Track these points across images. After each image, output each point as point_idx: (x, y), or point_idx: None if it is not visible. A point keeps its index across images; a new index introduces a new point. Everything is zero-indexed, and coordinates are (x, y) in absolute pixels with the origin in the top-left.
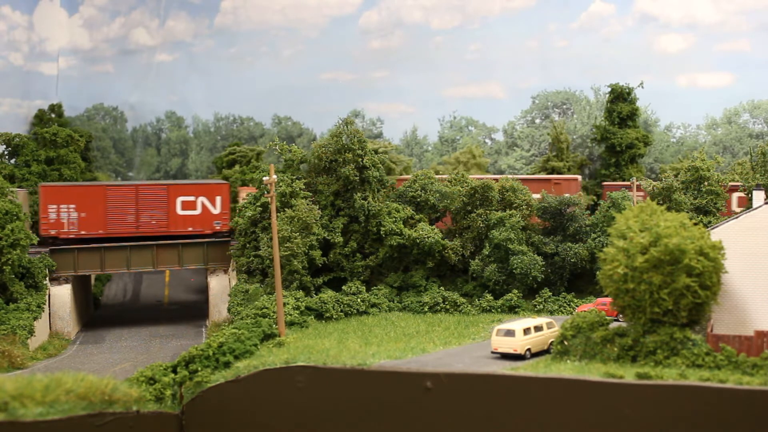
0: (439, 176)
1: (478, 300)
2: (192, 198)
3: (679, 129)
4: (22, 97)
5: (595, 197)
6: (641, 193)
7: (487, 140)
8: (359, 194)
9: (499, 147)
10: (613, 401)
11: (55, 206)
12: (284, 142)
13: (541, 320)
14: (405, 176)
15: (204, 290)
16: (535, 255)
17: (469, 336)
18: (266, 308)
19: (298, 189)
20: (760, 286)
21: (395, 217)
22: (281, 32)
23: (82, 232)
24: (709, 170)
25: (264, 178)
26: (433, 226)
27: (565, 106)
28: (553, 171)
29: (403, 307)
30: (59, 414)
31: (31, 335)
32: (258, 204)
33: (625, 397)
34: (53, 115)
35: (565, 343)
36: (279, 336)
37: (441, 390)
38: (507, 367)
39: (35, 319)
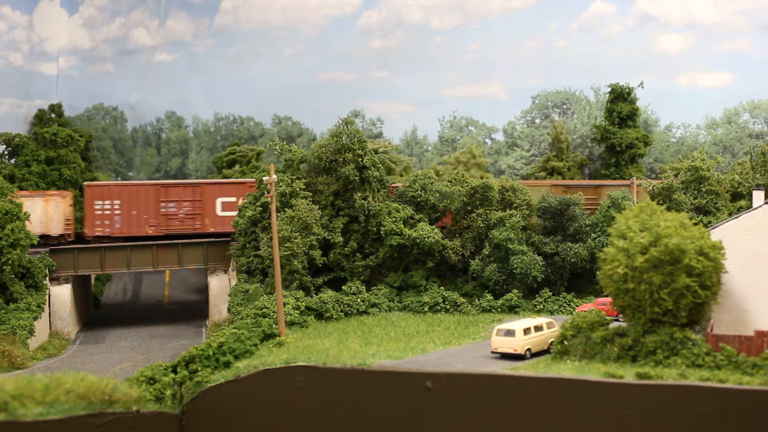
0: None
1: (478, 300)
2: None
3: (679, 129)
4: (22, 97)
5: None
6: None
7: (487, 140)
8: (359, 194)
9: (499, 147)
10: (613, 401)
11: None
12: (284, 142)
13: (541, 320)
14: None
15: (204, 290)
16: (535, 255)
17: (469, 336)
18: (266, 308)
19: (298, 189)
20: (760, 286)
21: (395, 217)
22: (281, 32)
23: None
24: (709, 170)
25: (264, 178)
26: (433, 226)
27: (565, 106)
28: (553, 171)
29: (403, 307)
30: (59, 414)
31: (31, 335)
32: (258, 204)
33: (625, 397)
34: (53, 115)
35: (565, 343)
36: (279, 336)
37: (441, 390)
38: (507, 367)
39: (35, 319)
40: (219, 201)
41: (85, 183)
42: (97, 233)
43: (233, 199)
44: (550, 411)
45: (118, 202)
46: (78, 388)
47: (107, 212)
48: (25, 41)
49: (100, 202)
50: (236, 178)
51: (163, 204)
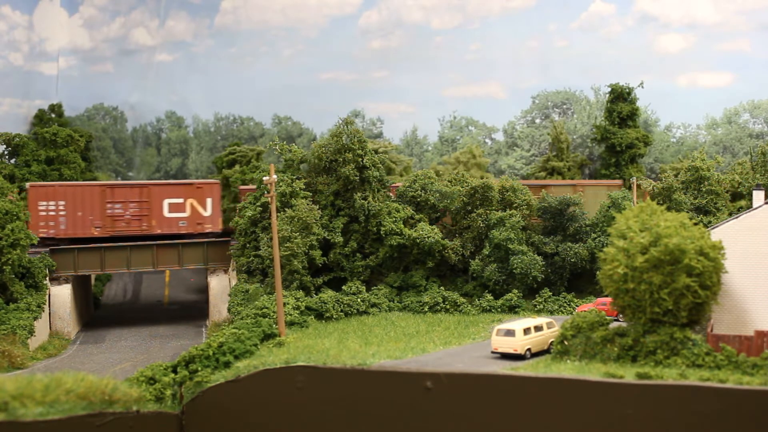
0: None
1: (478, 300)
2: None
3: (679, 129)
4: (22, 97)
5: None
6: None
7: (487, 140)
8: (359, 194)
9: (499, 147)
10: (613, 401)
11: None
12: (284, 142)
13: (541, 320)
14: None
15: (204, 290)
16: (535, 255)
17: (469, 336)
18: (266, 308)
19: (298, 189)
20: (760, 286)
21: (395, 217)
22: (281, 32)
23: None
24: (709, 170)
25: (264, 178)
26: (433, 226)
27: (565, 106)
28: (553, 171)
29: (403, 307)
30: (59, 414)
31: (31, 335)
32: (258, 204)
33: (626, 397)
34: (53, 115)
35: (565, 343)
36: (279, 336)
37: (441, 390)
38: (507, 367)
39: (35, 319)
40: (166, 202)
41: (28, 183)
42: (41, 234)
43: (180, 200)
44: (550, 411)
45: (62, 203)
46: (78, 388)
47: (51, 213)
48: (25, 41)
49: (44, 203)
50: (236, 177)
51: (109, 205)
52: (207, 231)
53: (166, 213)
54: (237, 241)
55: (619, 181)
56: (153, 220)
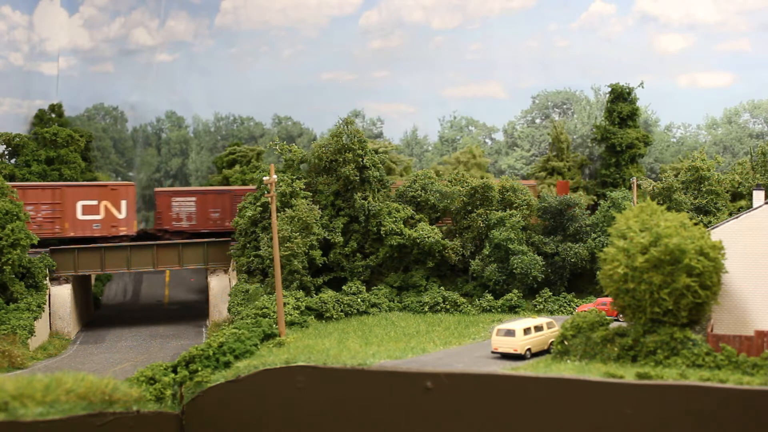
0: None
1: (478, 300)
2: None
3: (679, 129)
4: (22, 97)
5: (595, 197)
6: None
7: (487, 140)
8: (359, 194)
9: (499, 147)
10: (613, 401)
11: None
12: (284, 142)
13: (541, 320)
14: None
15: (204, 290)
16: (535, 255)
17: (469, 336)
18: (266, 308)
19: (298, 189)
20: (760, 286)
21: (395, 217)
22: (281, 32)
23: None
24: (709, 170)
25: (264, 178)
26: (433, 226)
27: (565, 106)
28: (553, 171)
29: (404, 307)
30: (59, 414)
31: (32, 335)
32: (258, 204)
33: (626, 397)
34: (53, 115)
35: (565, 343)
36: (279, 336)
37: (441, 390)
38: (507, 367)
39: (35, 319)
40: (80, 204)
41: None
42: None
43: (94, 202)
44: (550, 411)
45: None
46: (78, 388)
47: None
48: (25, 41)
49: None
50: (236, 178)
51: None
52: (121, 234)
53: (79, 215)
54: (237, 241)
55: (533, 182)
56: (66, 222)
